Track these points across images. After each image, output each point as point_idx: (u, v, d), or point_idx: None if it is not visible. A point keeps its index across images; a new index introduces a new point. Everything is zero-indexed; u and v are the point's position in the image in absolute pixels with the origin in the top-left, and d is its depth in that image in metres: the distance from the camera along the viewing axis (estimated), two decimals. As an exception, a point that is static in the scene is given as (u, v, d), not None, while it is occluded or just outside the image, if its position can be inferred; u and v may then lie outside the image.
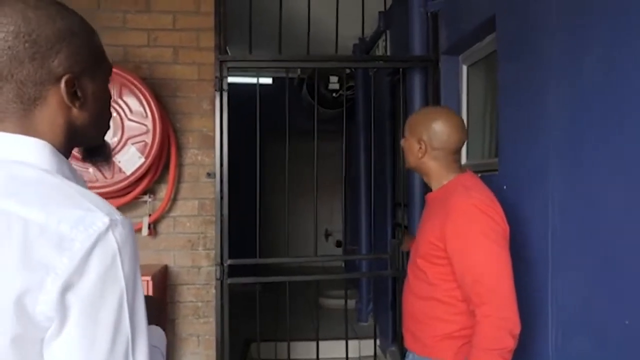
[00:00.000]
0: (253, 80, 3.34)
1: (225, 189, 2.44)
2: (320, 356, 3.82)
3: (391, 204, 3.94)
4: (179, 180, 2.56)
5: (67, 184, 0.71)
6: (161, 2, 2.51)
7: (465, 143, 2.56)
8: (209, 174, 2.53)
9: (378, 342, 4.18)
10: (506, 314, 1.40)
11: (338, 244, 7.39)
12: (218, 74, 2.44)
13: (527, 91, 1.77)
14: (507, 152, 1.93)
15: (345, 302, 3.30)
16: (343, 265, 6.76)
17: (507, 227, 1.50)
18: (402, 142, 1.72)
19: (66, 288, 0.62)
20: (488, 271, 1.44)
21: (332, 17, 2.81)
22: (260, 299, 2.71)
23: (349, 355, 3.53)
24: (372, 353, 4.09)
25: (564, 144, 1.55)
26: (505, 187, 1.86)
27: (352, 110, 5.12)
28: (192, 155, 2.58)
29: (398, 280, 3.37)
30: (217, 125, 2.45)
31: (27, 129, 0.73)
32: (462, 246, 1.48)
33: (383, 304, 4.11)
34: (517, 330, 1.41)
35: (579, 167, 1.48)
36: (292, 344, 3.11)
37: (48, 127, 0.74)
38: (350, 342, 3.73)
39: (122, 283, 0.66)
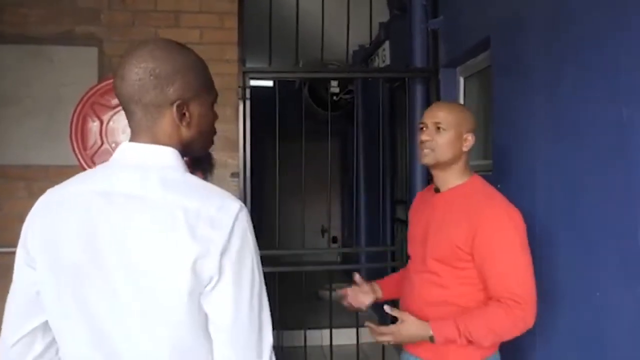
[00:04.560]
0: (260, 83, 3.60)
1: (248, 188, 2.72)
2: (323, 343, 4.11)
3: (390, 201, 4.23)
4: (205, 179, 2.81)
5: (197, 180, 0.96)
6: (189, 18, 2.77)
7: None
8: (233, 174, 2.80)
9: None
10: (529, 318, 1.47)
11: (334, 240, 7.68)
12: (242, 84, 2.72)
13: (517, 102, 2.06)
14: (500, 155, 2.23)
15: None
16: (338, 259, 7.04)
17: (524, 225, 1.57)
18: (433, 136, 1.61)
19: (222, 254, 0.87)
20: (518, 279, 1.49)
21: (334, 26, 3.09)
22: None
23: (350, 342, 3.80)
24: (372, 340, 4.39)
25: (548, 148, 1.85)
26: (499, 185, 2.16)
27: (351, 112, 5.40)
28: (217, 157, 2.83)
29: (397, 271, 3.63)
30: (241, 130, 2.72)
31: (153, 140, 0.95)
32: (493, 255, 1.50)
33: (382, 294, 4.40)
34: (530, 327, 1.49)
35: (560, 168, 1.78)
36: (294, 332, 3.34)
37: (167, 139, 0.96)
38: (350, 330, 4.00)
39: (252, 248, 0.92)
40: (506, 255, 1.50)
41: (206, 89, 1.00)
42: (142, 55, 0.93)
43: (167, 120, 0.95)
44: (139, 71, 0.92)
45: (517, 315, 1.46)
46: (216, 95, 1.05)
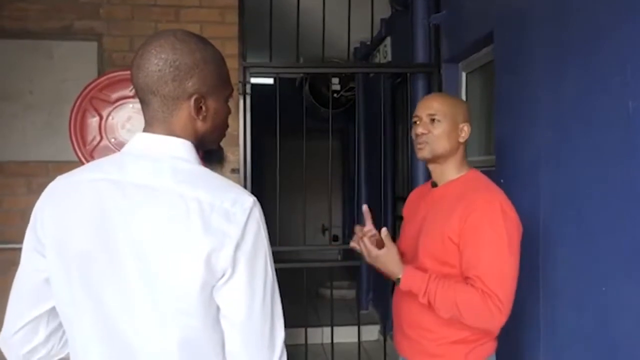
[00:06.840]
0: (260, 80, 3.58)
1: (248, 184, 2.70)
2: (324, 341, 4.10)
3: (392, 198, 4.21)
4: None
5: (210, 172, 0.95)
6: (189, 13, 2.75)
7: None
8: (233, 170, 2.78)
9: (378, 327, 4.48)
10: (497, 322, 1.39)
11: (335, 238, 7.66)
12: (242, 79, 2.70)
13: (521, 98, 2.05)
14: (503, 151, 2.21)
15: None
16: (339, 257, 7.03)
17: (521, 227, 1.48)
18: (428, 128, 1.54)
19: (236, 248, 0.86)
20: (502, 281, 1.39)
21: (335, 22, 3.07)
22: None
23: (351, 340, 3.78)
24: (373, 338, 4.39)
25: (552, 143, 1.83)
26: (502, 180, 2.14)
27: (352, 109, 5.39)
28: (217, 152, 2.83)
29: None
30: (241, 126, 2.70)
31: (168, 132, 0.95)
32: (478, 243, 1.42)
33: (382, 292, 4.39)
34: (493, 330, 1.45)
35: (564, 163, 1.76)
36: (295, 330, 3.33)
37: (182, 131, 0.95)
38: (351, 328, 3.98)
39: (265, 243, 0.92)
40: (492, 249, 1.40)
41: (223, 83, 1.00)
42: (162, 46, 0.92)
43: (184, 113, 0.95)
44: (159, 62, 0.91)
45: (491, 308, 1.35)
46: (232, 90, 1.04)
